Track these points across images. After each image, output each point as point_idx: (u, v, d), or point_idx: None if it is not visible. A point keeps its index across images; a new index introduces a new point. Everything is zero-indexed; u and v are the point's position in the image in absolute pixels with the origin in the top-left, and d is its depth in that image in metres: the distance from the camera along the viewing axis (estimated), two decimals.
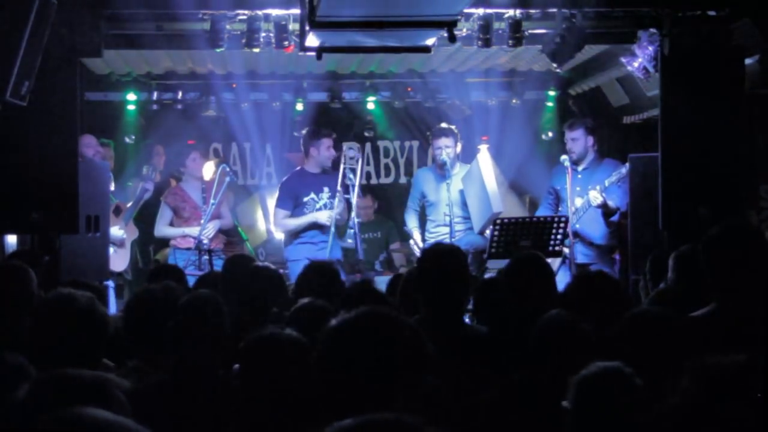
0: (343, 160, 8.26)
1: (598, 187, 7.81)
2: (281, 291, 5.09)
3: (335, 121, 10.12)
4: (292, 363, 3.11)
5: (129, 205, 8.65)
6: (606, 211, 7.90)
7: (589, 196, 7.82)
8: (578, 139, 8.16)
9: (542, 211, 8.30)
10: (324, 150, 8.44)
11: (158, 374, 3.72)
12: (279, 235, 9.09)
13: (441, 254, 4.40)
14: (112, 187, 8.15)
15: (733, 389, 1.94)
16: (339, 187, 8.17)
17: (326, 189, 8.33)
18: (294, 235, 8.38)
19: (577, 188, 8.04)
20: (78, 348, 3.38)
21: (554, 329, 3.50)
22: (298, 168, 8.70)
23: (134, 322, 4.03)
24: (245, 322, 4.31)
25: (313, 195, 8.35)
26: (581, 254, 8.02)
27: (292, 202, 8.38)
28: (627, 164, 7.80)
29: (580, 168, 8.13)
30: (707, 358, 2.14)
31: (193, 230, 8.48)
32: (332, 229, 8.15)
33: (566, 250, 7.81)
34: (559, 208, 8.25)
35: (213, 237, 8.50)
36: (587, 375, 2.70)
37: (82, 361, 3.22)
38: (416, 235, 8.58)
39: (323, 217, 8.21)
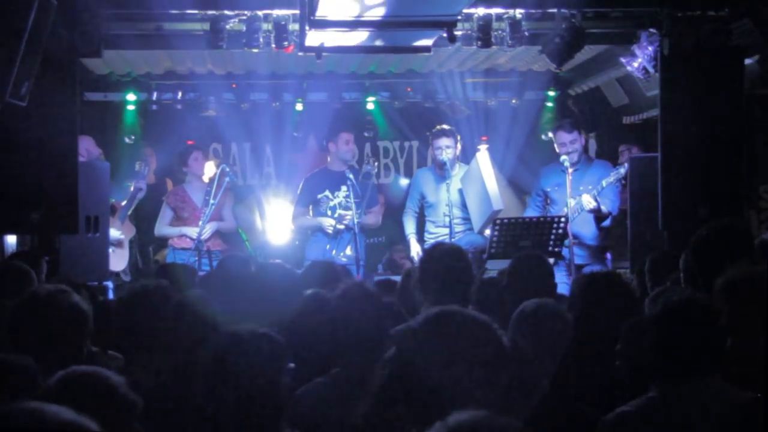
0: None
1: (594, 192, 7.80)
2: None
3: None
4: (264, 361, 3.02)
5: (124, 203, 8.66)
6: (598, 215, 7.89)
7: (582, 200, 7.79)
8: (576, 140, 8.14)
9: (529, 213, 8.26)
10: (342, 144, 8.46)
11: (150, 377, 3.65)
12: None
13: (444, 254, 4.39)
14: None
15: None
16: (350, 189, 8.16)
17: (343, 188, 8.31)
18: (312, 233, 8.44)
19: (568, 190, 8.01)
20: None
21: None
22: (323, 166, 8.73)
23: (121, 321, 3.96)
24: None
25: (327, 192, 8.36)
26: (575, 255, 8.01)
27: (309, 199, 8.42)
28: (625, 165, 7.79)
29: (571, 169, 8.07)
30: None
31: (191, 230, 8.47)
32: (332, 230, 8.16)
33: (564, 250, 7.79)
34: (548, 209, 8.21)
35: (209, 238, 8.49)
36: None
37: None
38: (414, 243, 8.54)
39: (326, 224, 8.22)
